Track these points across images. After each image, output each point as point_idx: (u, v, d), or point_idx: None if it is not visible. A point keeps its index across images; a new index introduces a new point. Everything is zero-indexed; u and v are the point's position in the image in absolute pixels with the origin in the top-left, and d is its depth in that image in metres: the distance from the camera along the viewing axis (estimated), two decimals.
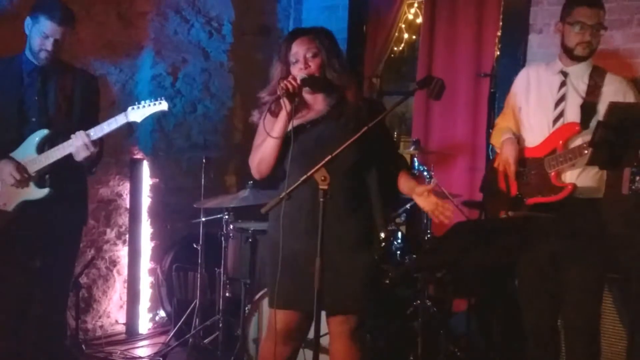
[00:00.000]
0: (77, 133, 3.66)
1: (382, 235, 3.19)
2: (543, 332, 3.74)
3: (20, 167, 3.71)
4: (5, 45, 4.16)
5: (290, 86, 2.98)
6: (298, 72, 3.08)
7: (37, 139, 3.75)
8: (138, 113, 3.76)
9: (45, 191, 3.76)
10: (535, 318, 3.74)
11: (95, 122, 3.86)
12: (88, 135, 3.67)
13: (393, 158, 3.29)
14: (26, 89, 3.80)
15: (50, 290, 3.96)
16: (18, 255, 3.83)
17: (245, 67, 6.10)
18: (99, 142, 3.75)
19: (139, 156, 5.48)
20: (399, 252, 4.79)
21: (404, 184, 3.19)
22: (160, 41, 5.55)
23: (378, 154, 3.16)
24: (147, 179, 5.47)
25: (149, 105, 3.77)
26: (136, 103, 3.78)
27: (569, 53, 3.61)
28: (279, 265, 3.07)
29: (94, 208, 5.21)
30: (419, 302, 4.60)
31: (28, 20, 3.75)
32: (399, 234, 4.84)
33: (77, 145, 3.66)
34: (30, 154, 3.75)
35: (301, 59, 3.09)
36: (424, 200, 3.04)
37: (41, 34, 3.69)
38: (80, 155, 3.68)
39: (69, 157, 3.71)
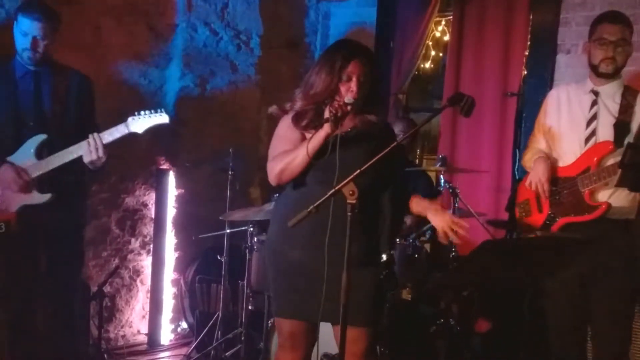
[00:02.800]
0: (90, 137, 3.67)
1: (384, 257, 3.19)
2: (571, 356, 3.70)
3: (22, 172, 3.72)
4: None
5: (340, 112, 2.95)
6: (346, 91, 3.06)
7: (35, 144, 3.74)
8: (139, 123, 3.75)
9: (47, 196, 3.76)
10: (563, 341, 3.70)
11: (91, 123, 3.90)
12: (99, 138, 3.67)
13: (407, 180, 3.29)
14: (21, 93, 3.80)
15: (56, 292, 3.97)
16: (21, 258, 3.85)
17: (272, 81, 6.13)
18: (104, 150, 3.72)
19: (165, 166, 5.51)
20: (423, 270, 4.76)
21: (417, 204, 3.20)
22: (189, 53, 5.58)
23: (395, 175, 3.17)
24: (172, 190, 5.50)
25: (150, 116, 3.76)
26: (136, 113, 3.76)
27: (595, 70, 3.61)
28: (281, 274, 3.15)
29: (119, 217, 5.25)
30: (442, 321, 4.59)
31: (14, 26, 3.77)
32: (424, 252, 4.81)
33: (87, 149, 3.67)
34: (28, 158, 3.74)
35: (355, 81, 3.06)
36: (439, 218, 3.06)
37: (21, 33, 3.72)
38: (87, 157, 3.69)
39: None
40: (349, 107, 3.00)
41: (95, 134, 3.69)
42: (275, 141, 3.21)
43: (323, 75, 3.10)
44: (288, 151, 3.08)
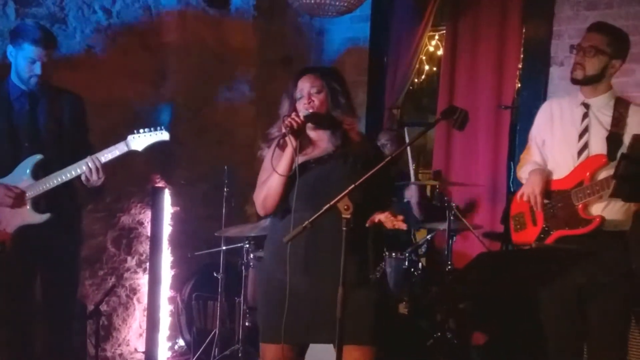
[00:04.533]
0: (88, 159, 3.70)
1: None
2: None
3: (12, 187, 3.72)
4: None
5: (294, 123, 3.02)
6: (302, 107, 3.13)
7: (30, 164, 3.75)
8: (139, 141, 3.78)
9: (45, 216, 3.77)
10: (560, 353, 3.68)
11: (85, 143, 3.93)
12: (98, 160, 3.70)
13: (388, 199, 3.31)
14: (16, 114, 3.81)
15: (53, 312, 3.97)
16: (17, 279, 3.85)
17: (267, 98, 6.12)
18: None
19: (160, 185, 5.50)
20: (419, 283, 4.76)
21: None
22: (183, 71, 5.59)
23: (379, 193, 3.16)
24: (168, 208, 5.48)
25: (150, 134, 3.80)
26: (136, 131, 3.79)
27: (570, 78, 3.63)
28: (271, 297, 3.14)
29: (115, 236, 5.23)
30: (439, 334, 4.58)
31: (10, 49, 3.78)
32: (420, 265, 4.82)
33: (86, 169, 3.69)
34: (25, 179, 3.76)
35: (305, 95, 3.14)
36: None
37: (28, 60, 3.72)
38: (90, 182, 3.72)
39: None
40: (302, 117, 3.06)
41: (94, 157, 3.71)
42: (260, 172, 3.28)
43: (284, 102, 3.23)
44: (267, 179, 3.16)
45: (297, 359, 3.23)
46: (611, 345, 3.56)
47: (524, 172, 3.79)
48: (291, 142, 3.03)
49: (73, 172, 3.73)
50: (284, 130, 3.04)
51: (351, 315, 2.88)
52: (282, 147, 3.15)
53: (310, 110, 3.10)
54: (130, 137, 3.78)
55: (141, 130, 3.80)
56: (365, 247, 3.15)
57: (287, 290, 3.02)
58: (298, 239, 2.83)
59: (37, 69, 3.73)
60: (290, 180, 3.08)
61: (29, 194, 3.75)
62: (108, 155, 3.75)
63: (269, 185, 3.12)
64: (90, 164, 3.70)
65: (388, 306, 3.34)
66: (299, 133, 3.04)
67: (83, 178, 3.72)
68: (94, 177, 3.71)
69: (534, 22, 5.48)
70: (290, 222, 3.03)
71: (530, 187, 3.64)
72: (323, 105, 3.14)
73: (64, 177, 3.74)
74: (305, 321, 3.08)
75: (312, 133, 3.19)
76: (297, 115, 3.07)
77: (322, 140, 3.21)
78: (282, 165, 3.08)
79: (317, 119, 3.13)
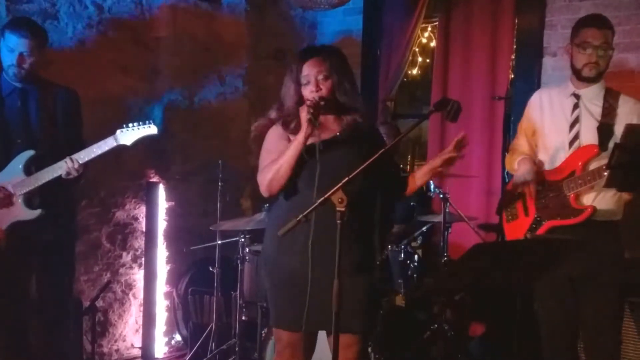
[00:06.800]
0: (67, 159, 3.69)
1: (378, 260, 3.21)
2: (563, 358, 3.70)
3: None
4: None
5: (315, 110, 2.98)
6: (309, 94, 3.09)
7: (23, 160, 3.75)
8: (128, 136, 3.77)
9: (36, 212, 3.77)
10: (555, 343, 3.70)
11: (79, 137, 3.92)
12: (77, 161, 3.69)
13: (397, 183, 3.32)
14: (8, 111, 3.80)
15: (48, 309, 3.97)
16: (11, 276, 3.85)
17: (259, 91, 6.13)
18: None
19: (155, 179, 5.49)
20: (415, 275, 4.76)
21: (418, 177, 3.27)
22: (176, 65, 5.58)
23: (384, 179, 3.18)
24: (163, 202, 5.48)
25: (138, 128, 3.79)
26: (124, 125, 3.78)
27: (577, 74, 3.61)
28: (277, 284, 3.17)
29: (110, 231, 5.23)
30: (436, 326, 4.58)
31: (1, 42, 3.78)
32: (416, 257, 4.82)
33: (65, 169, 3.69)
34: (17, 175, 3.76)
35: (312, 81, 3.09)
36: (431, 164, 3.20)
37: (7, 49, 3.72)
38: (69, 176, 3.72)
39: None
40: (322, 103, 3.02)
41: (73, 157, 3.70)
42: (264, 153, 3.23)
43: (289, 85, 3.17)
44: (275, 161, 3.10)
45: (309, 341, 3.26)
46: (605, 333, 3.58)
47: (513, 162, 3.78)
48: (309, 128, 2.99)
49: (59, 171, 3.72)
50: (305, 117, 2.99)
51: (346, 304, 2.89)
52: (292, 129, 3.14)
53: (319, 97, 3.05)
54: (118, 132, 3.77)
55: (130, 125, 3.79)
56: (372, 235, 3.15)
57: (289, 273, 3.10)
58: (303, 225, 2.81)
59: (13, 58, 3.71)
60: (296, 163, 3.07)
61: (21, 191, 3.74)
62: (97, 150, 3.74)
63: (278, 168, 3.07)
64: (69, 163, 3.69)
65: (379, 291, 3.35)
66: (316, 123, 3.00)
67: (63, 175, 3.72)
68: (74, 173, 3.71)
69: (527, 13, 5.48)
70: (297, 205, 3.03)
71: (521, 176, 3.65)
72: (329, 92, 3.10)
73: (53, 174, 3.73)
74: (307, 308, 3.09)
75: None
76: (318, 101, 3.03)
77: (328, 123, 3.19)
78: (295, 150, 3.04)
79: (327, 106, 3.09)
